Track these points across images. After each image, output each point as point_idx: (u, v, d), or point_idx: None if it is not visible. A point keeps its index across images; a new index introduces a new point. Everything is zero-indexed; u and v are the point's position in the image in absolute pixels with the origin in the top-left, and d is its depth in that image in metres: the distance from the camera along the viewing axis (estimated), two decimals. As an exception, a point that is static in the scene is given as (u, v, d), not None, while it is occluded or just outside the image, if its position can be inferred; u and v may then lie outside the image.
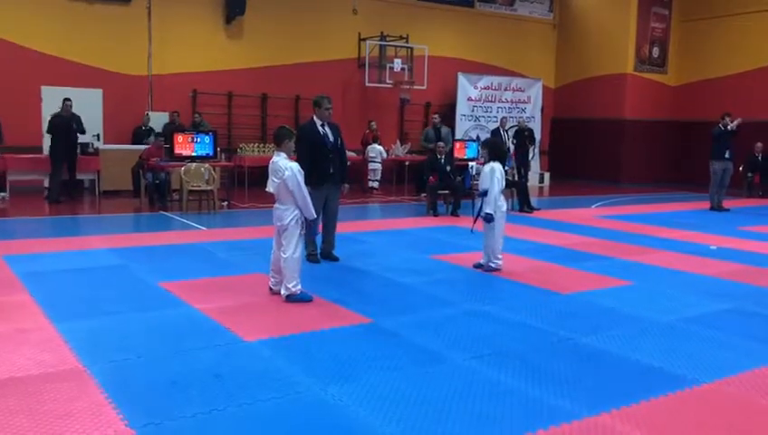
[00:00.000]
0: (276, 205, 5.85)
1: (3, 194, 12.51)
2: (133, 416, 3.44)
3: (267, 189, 5.96)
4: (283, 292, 5.81)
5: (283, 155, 5.81)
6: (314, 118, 7.47)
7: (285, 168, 5.67)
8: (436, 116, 16.06)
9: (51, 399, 3.64)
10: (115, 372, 4.06)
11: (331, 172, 7.41)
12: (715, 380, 4.20)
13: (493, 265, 7.21)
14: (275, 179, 5.75)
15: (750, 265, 7.95)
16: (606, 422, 3.55)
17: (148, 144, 12.96)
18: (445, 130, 15.78)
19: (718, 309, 5.91)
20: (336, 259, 7.59)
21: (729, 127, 12.97)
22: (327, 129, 7.45)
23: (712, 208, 13.38)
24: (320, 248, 7.62)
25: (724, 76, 18.91)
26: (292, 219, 5.75)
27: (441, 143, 12.76)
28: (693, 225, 11.23)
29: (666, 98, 19.88)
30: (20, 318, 5.11)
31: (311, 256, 7.46)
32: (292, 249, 5.74)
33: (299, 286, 5.79)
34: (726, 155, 13.18)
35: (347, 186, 7.90)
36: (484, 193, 7.11)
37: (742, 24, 18.37)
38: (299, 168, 5.76)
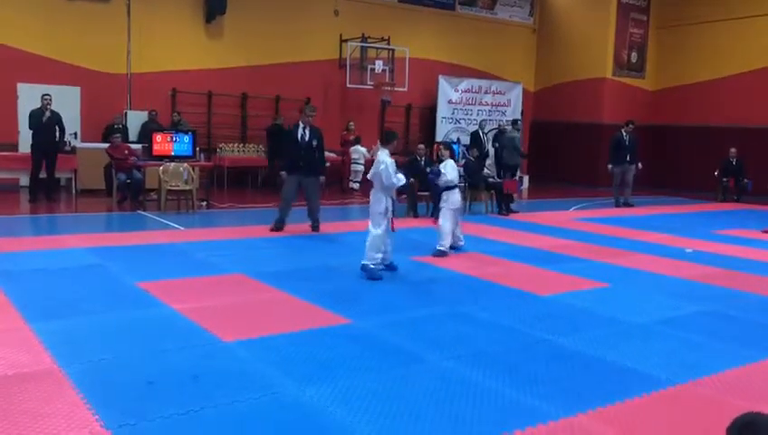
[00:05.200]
0: (372, 191, 6.82)
1: None
2: (109, 417, 3.42)
3: (368, 176, 7.10)
4: (363, 261, 6.68)
5: (386, 151, 6.80)
6: (300, 121, 9.28)
7: (382, 161, 6.68)
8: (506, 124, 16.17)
9: (25, 400, 3.60)
10: (91, 373, 4.02)
11: (300, 165, 9.17)
12: (689, 380, 4.26)
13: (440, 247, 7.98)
14: (376, 170, 6.77)
15: (724, 268, 8.07)
16: (582, 423, 3.59)
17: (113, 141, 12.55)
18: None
19: (693, 311, 5.99)
20: (317, 228, 9.45)
21: (626, 141, 14.73)
22: (307, 131, 9.11)
23: (617, 205, 14.74)
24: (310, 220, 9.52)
25: (699, 82, 19.15)
26: (379, 205, 6.69)
27: (421, 145, 12.79)
28: (669, 228, 11.36)
29: (643, 102, 20.08)
30: (-6, 318, 5.04)
31: (276, 225, 9.24)
32: (374, 228, 6.72)
33: (376, 262, 6.66)
34: (627, 159, 14.77)
35: (323, 178, 9.65)
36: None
37: (714, 32, 18.62)
38: (392, 162, 6.76)
